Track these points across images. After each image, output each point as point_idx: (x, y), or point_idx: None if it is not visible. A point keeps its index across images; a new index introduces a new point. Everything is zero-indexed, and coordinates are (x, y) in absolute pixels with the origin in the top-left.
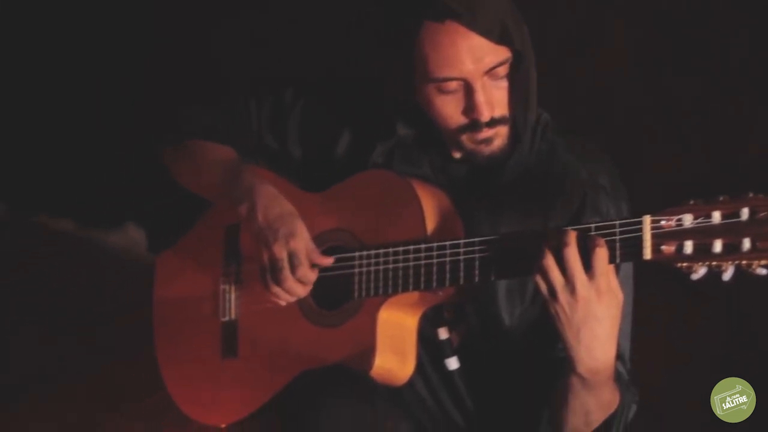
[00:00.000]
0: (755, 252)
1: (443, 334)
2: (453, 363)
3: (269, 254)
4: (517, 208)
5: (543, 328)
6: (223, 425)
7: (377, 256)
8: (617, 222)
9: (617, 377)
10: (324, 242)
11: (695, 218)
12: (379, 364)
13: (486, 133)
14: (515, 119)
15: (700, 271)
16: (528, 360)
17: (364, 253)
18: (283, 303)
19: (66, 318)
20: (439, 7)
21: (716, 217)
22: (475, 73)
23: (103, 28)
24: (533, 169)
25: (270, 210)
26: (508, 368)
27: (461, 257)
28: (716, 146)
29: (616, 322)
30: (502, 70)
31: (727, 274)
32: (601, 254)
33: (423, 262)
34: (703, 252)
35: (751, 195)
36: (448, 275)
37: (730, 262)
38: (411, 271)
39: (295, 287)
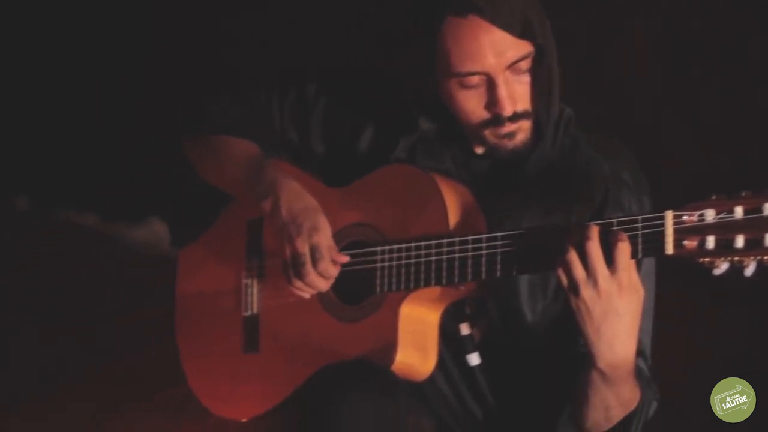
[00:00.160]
0: None
1: (465, 329)
2: (474, 359)
3: (292, 248)
4: (540, 203)
5: (565, 323)
6: (244, 419)
7: (399, 250)
8: (639, 217)
9: (638, 373)
10: (346, 237)
11: (717, 213)
12: (400, 360)
13: (509, 127)
14: (538, 114)
15: (722, 267)
16: (549, 356)
17: (386, 247)
18: (306, 296)
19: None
20: (462, 1)
21: (738, 212)
22: (498, 67)
23: (125, 21)
24: (556, 164)
25: (294, 204)
26: (529, 364)
27: (483, 252)
28: (738, 141)
29: (636, 317)
30: (525, 65)
31: (749, 270)
32: (624, 249)
33: (445, 257)
34: (725, 247)
35: None
36: (470, 270)
37: (752, 258)
38: (433, 266)
39: (317, 281)
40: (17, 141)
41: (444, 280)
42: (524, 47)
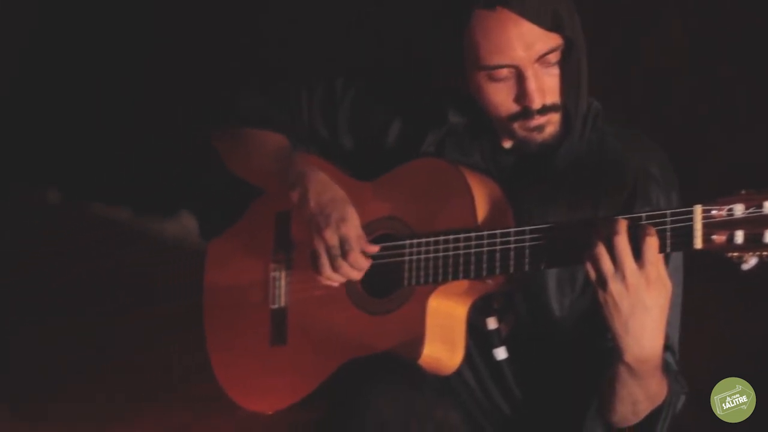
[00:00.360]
0: None
1: (492, 323)
2: (501, 353)
3: (321, 239)
4: (568, 197)
5: (592, 318)
6: (271, 412)
7: (428, 244)
8: (668, 211)
9: (665, 368)
10: (375, 230)
11: (746, 208)
12: (427, 353)
13: (538, 120)
14: (566, 107)
15: (750, 261)
16: (577, 350)
17: (415, 240)
18: (335, 284)
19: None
20: None
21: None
22: (526, 60)
23: (155, 17)
24: (584, 158)
25: (322, 195)
26: (556, 358)
27: (512, 246)
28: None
29: (664, 311)
30: (553, 57)
31: None
32: (652, 243)
33: (473, 250)
34: (754, 242)
35: None
36: (498, 264)
37: None
38: (461, 260)
39: (348, 272)
40: (50, 135)
41: (472, 274)
42: (553, 40)
